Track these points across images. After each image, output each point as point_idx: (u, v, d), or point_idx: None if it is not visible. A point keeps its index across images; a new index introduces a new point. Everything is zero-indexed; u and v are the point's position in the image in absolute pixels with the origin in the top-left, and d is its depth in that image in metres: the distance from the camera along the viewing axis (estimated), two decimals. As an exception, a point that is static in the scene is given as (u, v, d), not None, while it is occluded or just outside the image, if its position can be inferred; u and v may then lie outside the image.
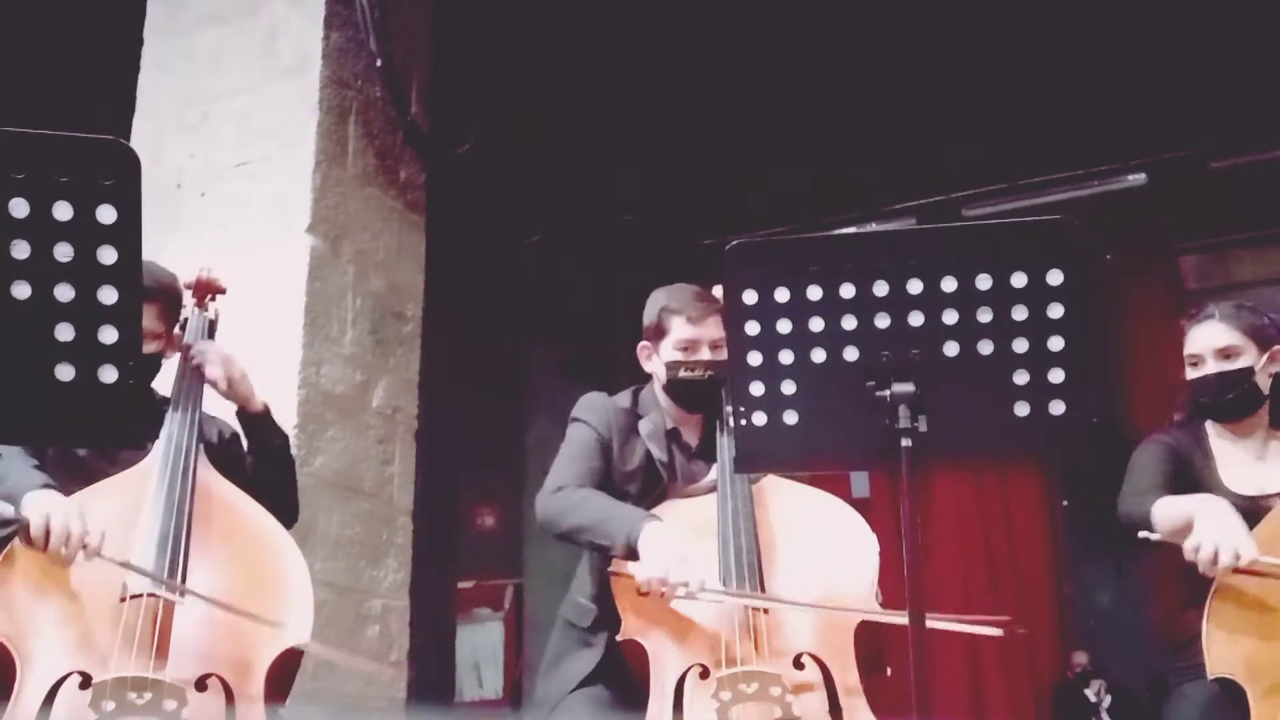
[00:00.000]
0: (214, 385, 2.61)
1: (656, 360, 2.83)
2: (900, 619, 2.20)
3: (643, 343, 2.87)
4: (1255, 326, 2.78)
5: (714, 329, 2.75)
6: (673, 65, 5.86)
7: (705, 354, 2.76)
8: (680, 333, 2.77)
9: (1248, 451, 2.80)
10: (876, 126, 5.85)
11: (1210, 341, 2.78)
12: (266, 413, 2.70)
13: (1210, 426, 2.85)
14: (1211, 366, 2.78)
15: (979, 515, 7.72)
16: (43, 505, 2.21)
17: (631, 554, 2.47)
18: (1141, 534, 2.52)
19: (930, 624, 2.29)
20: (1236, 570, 2.39)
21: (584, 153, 6.22)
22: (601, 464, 2.73)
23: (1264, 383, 2.77)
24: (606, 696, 2.62)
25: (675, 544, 2.47)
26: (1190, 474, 2.76)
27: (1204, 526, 2.43)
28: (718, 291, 2.75)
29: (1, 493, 2.26)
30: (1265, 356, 2.76)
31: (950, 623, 2.40)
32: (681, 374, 2.76)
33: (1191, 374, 2.82)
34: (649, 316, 2.84)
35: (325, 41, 4.31)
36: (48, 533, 2.17)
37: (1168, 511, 2.57)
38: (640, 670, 2.46)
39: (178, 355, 2.66)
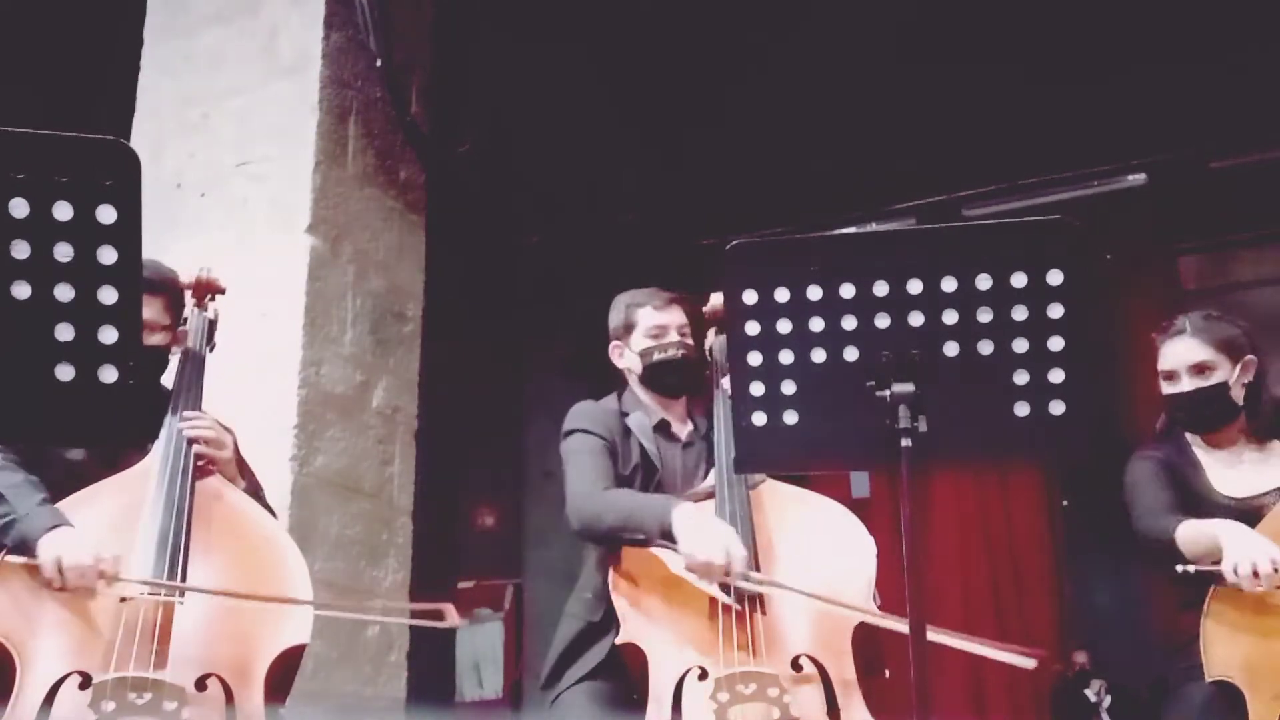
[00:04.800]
0: (199, 458, 2.52)
1: (630, 354, 2.91)
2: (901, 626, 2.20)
3: (613, 343, 2.97)
4: (1226, 339, 2.78)
5: (679, 315, 2.90)
6: (672, 65, 5.86)
7: (674, 336, 2.88)
8: (649, 320, 2.89)
9: (1227, 459, 2.81)
10: (876, 126, 5.84)
11: (1184, 358, 2.78)
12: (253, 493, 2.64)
13: (1189, 436, 2.86)
14: (1186, 383, 2.78)
15: (979, 515, 7.72)
16: (52, 549, 2.23)
17: (667, 538, 2.50)
18: (1181, 569, 2.53)
19: (966, 647, 2.31)
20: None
21: (584, 153, 6.22)
22: (612, 466, 2.76)
23: (1238, 393, 2.78)
24: (607, 690, 2.63)
25: (716, 524, 2.52)
26: (1183, 483, 2.77)
27: (1235, 547, 2.46)
28: (713, 303, 2.88)
29: (16, 534, 2.27)
30: (1238, 368, 2.76)
31: (985, 648, 2.39)
32: (656, 355, 2.86)
33: (1167, 388, 2.82)
34: (615, 319, 2.97)
35: (325, 41, 4.31)
36: (62, 574, 2.19)
37: (1193, 536, 2.59)
38: (639, 673, 2.47)
39: (182, 350, 2.66)
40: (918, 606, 1.85)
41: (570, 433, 2.83)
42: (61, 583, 2.20)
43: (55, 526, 2.27)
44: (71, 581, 2.20)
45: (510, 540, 8.10)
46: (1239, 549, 2.45)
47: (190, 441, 2.49)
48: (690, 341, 2.87)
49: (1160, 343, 2.84)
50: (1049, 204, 6.03)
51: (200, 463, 2.50)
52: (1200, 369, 2.76)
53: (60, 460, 2.47)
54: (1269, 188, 5.92)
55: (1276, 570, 2.40)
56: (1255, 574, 2.40)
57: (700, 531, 2.47)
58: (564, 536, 2.92)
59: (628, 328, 2.93)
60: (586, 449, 2.78)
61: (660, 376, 2.88)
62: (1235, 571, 2.43)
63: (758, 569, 2.54)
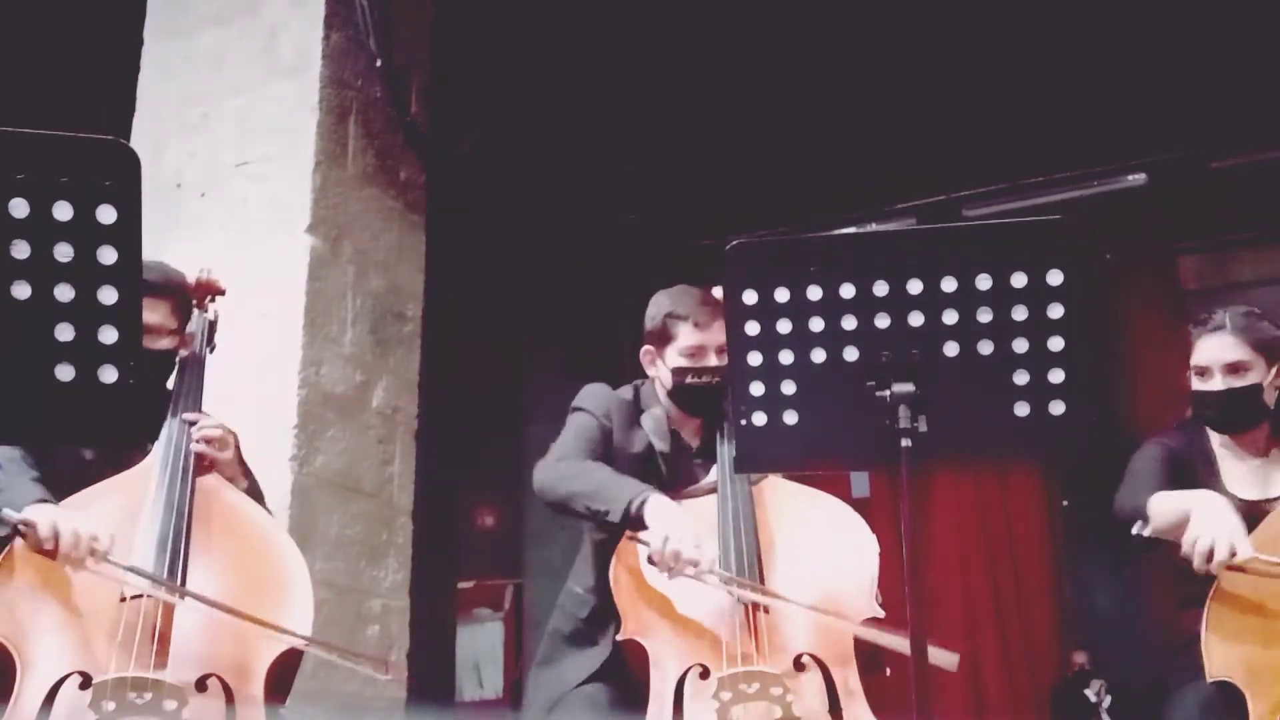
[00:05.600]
0: (200, 458, 2.52)
1: (661, 366, 2.79)
2: (901, 645, 2.18)
3: (646, 348, 2.82)
4: (1265, 340, 2.70)
5: (720, 334, 2.68)
6: (672, 65, 5.86)
7: (712, 360, 2.71)
8: (687, 339, 2.72)
9: (1250, 460, 2.76)
10: (876, 126, 5.84)
11: (1220, 355, 2.70)
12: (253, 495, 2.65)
13: (1212, 433, 2.81)
14: (1219, 382, 2.70)
15: (979, 515, 7.71)
16: (49, 511, 2.23)
17: (633, 522, 2.46)
18: (1135, 530, 2.45)
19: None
20: (1230, 568, 2.35)
21: (584, 153, 6.22)
22: (601, 449, 2.71)
23: (1270, 397, 2.71)
24: (607, 695, 2.61)
25: (687, 518, 2.47)
26: (1191, 477, 2.72)
27: (1201, 521, 2.39)
28: (718, 293, 2.73)
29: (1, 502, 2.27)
30: (1273, 371, 2.70)
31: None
32: (689, 381, 2.73)
33: (1197, 384, 2.75)
34: (652, 320, 2.79)
35: (325, 41, 4.31)
36: (57, 537, 2.19)
37: (1164, 506, 2.52)
38: (640, 671, 2.46)
39: (189, 353, 2.66)
40: (918, 606, 1.85)
41: (572, 410, 2.80)
42: (54, 545, 2.18)
43: (42, 500, 2.28)
44: (65, 546, 2.18)
45: (510, 540, 8.10)
46: (1205, 524, 2.36)
47: (197, 442, 2.49)
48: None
49: (1196, 335, 2.75)
50: (1049, 204, 6.02)
51: (203, 463, 2.50)
52: (1236, 368, 2.69)
53: (68, 458, 2.48)
54: (1269, 188, 5.92)
55: (1233, 557, 2.31)
56: (1210, 555, 2.32)
57: (672, 522, 2.42)
58: (564, 536, 2.92)
59: (664, 337, 2.76)
60: (578, 425, 2.75)
61: (689, 399, 2.76)
62: (1193, 545, 2.34)
63: (760, 566, 2.54)
